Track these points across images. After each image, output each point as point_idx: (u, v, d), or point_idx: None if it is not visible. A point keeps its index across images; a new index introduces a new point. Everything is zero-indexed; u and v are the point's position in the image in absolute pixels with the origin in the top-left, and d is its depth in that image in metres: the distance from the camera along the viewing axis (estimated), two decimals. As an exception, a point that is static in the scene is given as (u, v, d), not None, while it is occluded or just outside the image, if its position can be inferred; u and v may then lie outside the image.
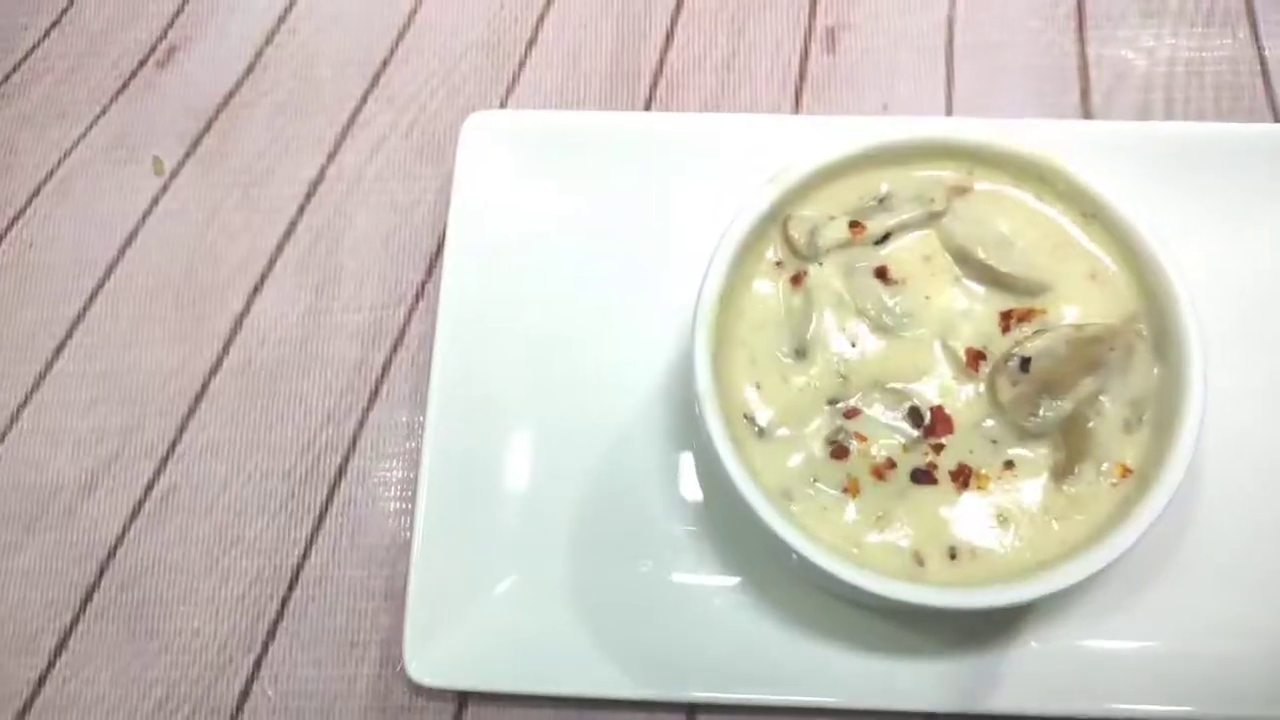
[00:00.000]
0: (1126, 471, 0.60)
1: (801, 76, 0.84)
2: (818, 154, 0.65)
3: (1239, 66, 0.83)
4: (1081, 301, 0.64)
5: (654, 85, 0.85)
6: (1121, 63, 0.84)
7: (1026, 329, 0.63)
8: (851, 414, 0.62)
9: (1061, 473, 0.61)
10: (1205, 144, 0.78)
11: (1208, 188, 0.77)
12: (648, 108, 0.84)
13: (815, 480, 0.61)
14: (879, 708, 0.67)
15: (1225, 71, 0.83)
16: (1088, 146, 0.77)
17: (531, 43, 0.91)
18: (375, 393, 0.78)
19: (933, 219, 0.65)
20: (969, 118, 0.80)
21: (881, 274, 0.65)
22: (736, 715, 0.69)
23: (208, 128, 0.87)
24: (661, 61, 0.86)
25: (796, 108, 0.83)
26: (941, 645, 0.68)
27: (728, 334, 0.64)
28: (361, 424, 0.77)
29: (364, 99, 0.87)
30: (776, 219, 0.65)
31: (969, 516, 0.60)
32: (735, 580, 0.70)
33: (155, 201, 0.85)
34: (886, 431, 0.62)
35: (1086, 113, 0.82)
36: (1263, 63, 0.84)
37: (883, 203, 0.66)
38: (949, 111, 0.82)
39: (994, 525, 0.60)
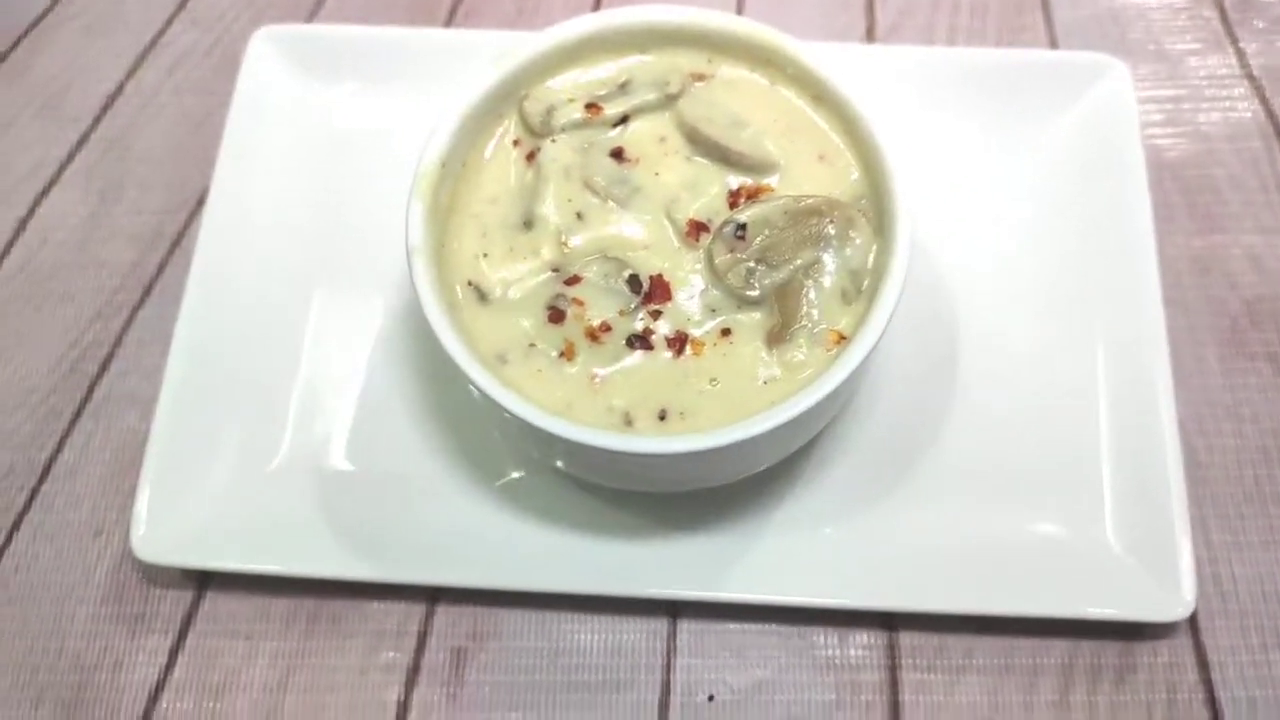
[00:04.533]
0: (841, 338, 0.60)
1: (596, 3, 0.86)
2: (551, 33, 0.66)
3: (1022, 6, 0.86)
4: (810, 181, 0.64)
5: (454, 10, 0.86)
6: (908, -3, 0.87)
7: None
8: (572, 281, 0.62)
9: (775, 339, 0.60)
10: (976, 70, 0.79)
11: (978, 113, 0.78)
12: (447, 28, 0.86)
13: (532, 345, 0.61)
14: (619, 594, 0.66)
15: (1009, 11, 0.86)
16: (871, 71, 0.80)
17: (339, -36, 0.92)
18: (148, 291, 0.78)
19: (669, 102, 0.66)
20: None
21: (616, 154, 0.66)
22: (479, 604, 0.68)
23: (15, 45, 0.88)
24: (466, -17, 0.88)
25: (591, 33, 0.85)
26: (690, 537, 0.67)
27: (461, 207, 0.65)
28: (130, 322, 0.77)
29: (170, 21, 0.89)
30: (512, 97, 0.66)
31: (682, 381, 0.60)
32: (482, 471, 0.69)
33: (-45, 113, 0.86)
34: (605, 297, 0.62)
35: (871, 43, 0.84)
36: (1044, -3, 0.86)
37: (623, 87, 0.67)
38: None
39: (706, 389, 0.60)
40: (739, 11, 0.84)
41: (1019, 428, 0.69)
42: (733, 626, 0.67)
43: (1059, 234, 0.75)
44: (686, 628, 0.67)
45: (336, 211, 0.77)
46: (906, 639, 0.67)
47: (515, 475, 0.69)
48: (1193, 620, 0.66)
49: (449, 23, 0.86)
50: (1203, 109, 0.83)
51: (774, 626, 0.67)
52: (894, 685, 0.66)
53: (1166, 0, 0.88)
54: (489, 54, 0.75)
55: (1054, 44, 0.84)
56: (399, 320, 0.74)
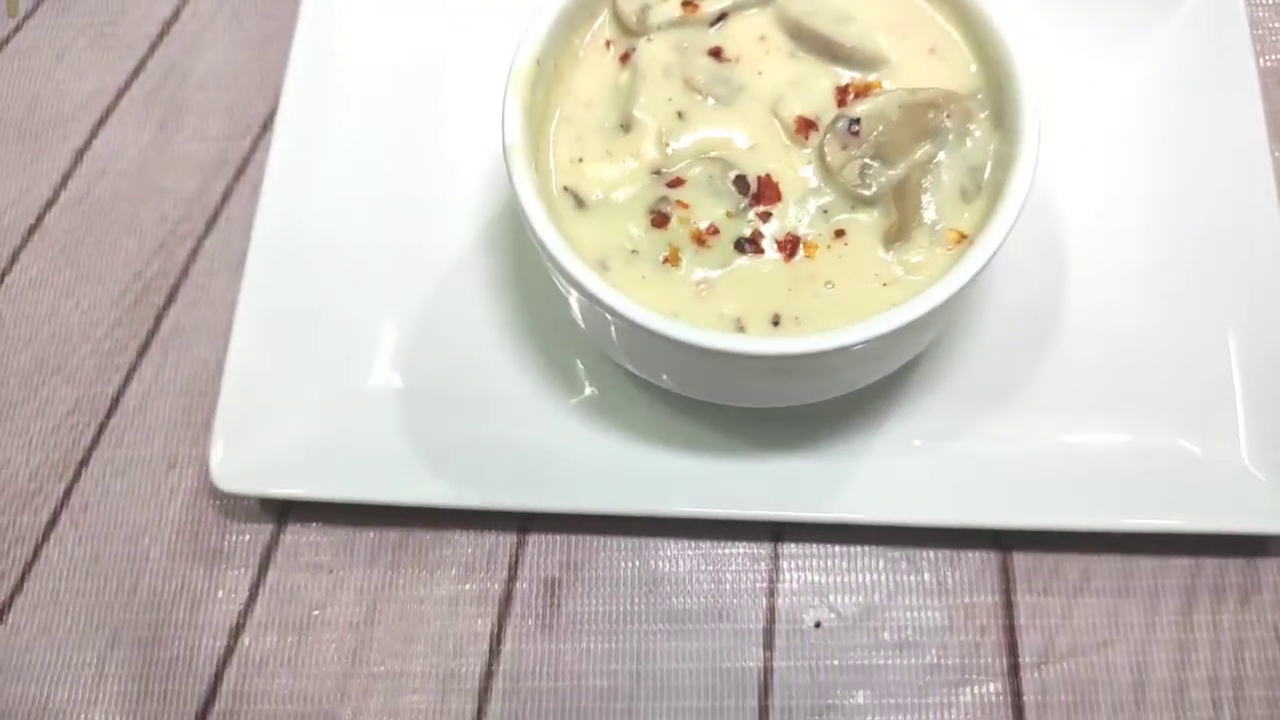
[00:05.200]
0: (961, 238, 0.57)
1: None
2: (646, -73, 0.63)
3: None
4: (921, 76, 0.61)
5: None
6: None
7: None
8: (675, 183, 0.59)
9: (893, 238, 0.57)
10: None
11: (1082, 16, 0.75)
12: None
13: (634, 251, 0.58)
14: (719, 516, 0.63)
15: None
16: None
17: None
18: (213, 220, 0.75)
19: (769, -1, 0.63)
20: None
21: (715, 54, 0.62)
22: (571, 532, 0.65)
23: (66, -29, 0.86)
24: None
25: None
26: (791, 456, 0.64)
27: (553, 111, 0.61)
28: (195, 251, 0.74)
29: (224, -56, 0.85)
30: (605, -4, 0.63)
31: (795, 285, 0.57)
32: (568, 393, 0.67)
33: (6, 40, 0.83)
34: (711, 199, 0.58)
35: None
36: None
37: (719, -15, 0.64)
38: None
39: (821, 292, 0.56)
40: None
41: (1133, 339, 0.66)
42: (837, 549, 0.64)
43: (1166, 143, 0.71)
44: (789, 551, 0.65)
45: (411, 128, 0.73)
46: (1020, 560, 0.64)
47: (597, 394, 0.66)
48: (1321, 537, 0.63)
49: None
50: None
51: (880, 549, 0.64)
52: (1008, 608, 0.63)
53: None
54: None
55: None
56: (476, 237, 0.71)
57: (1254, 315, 0.65)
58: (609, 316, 0.55)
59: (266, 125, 0.77)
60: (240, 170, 0.76)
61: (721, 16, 0.63)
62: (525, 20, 0.60)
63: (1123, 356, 0.65)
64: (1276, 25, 0.80)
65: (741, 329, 0.56)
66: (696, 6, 0.63)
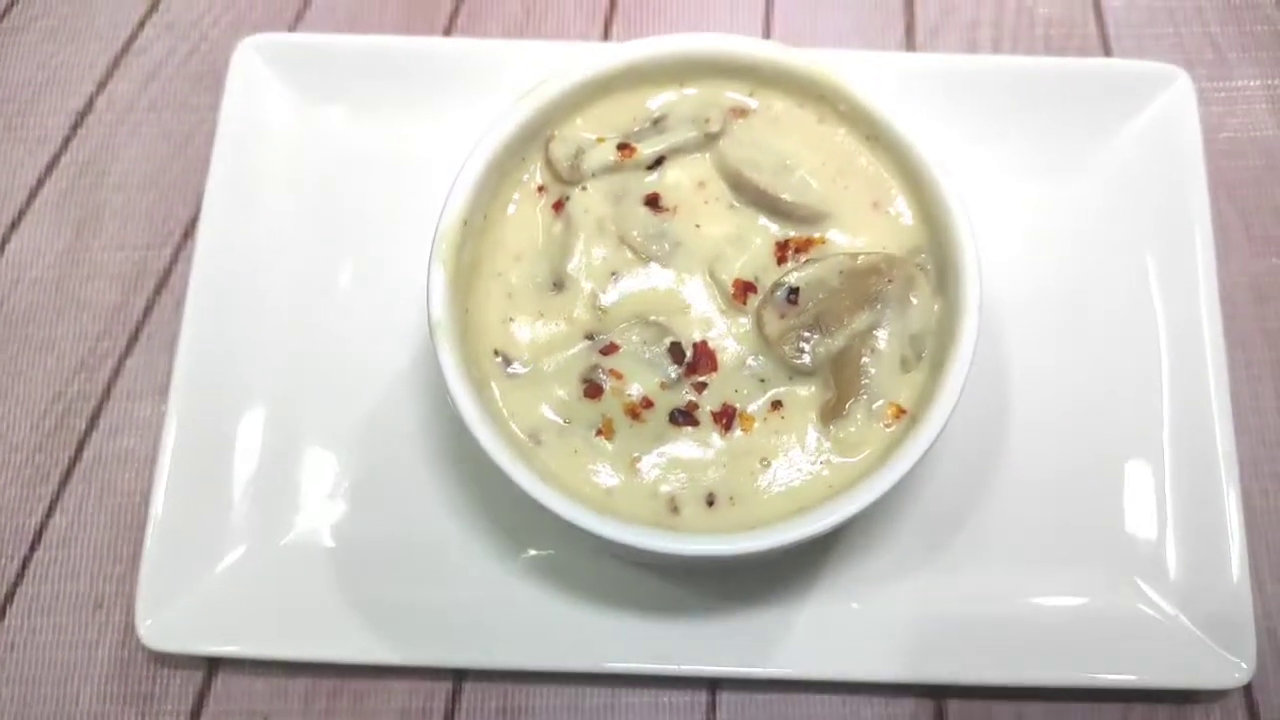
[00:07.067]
0: (900, 412, 0.56)
1: (612, 6, 0.79)
2: (580, 67, 0.59)
3: (1072, 3, 0.79)
4: (863, 231, 0.59)
5: (455, 13, 0.79)
6: (949, -3, 0.80)
7: (803, 260, 0.59)
8: (609, 350, 0.57)
9: (831, 414, 0.56)
10: (1032, 78, 0.74)
11: (1034, 124, 0.73)
12: (447, 35, 0.79)
13: (568, 421, 0.56)
14: (656, 673, 0.62)
15: (1057, 8, 0.79)
16: (910, 80, 0.73)
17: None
18: (134, 338, 0.72)
19: (709, 141, 0.60)
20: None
21: (652, 202, 0.60)
22: (508, 681, 0.64)
23: (-30, 53, 0.80)
24: (465, -13, 0.80)
25: (606, 38, 0.78)
26: (728, 608, 0.63)
27: (485, 265, 0.59)
28: (117, 372, 0.71)
29: (141, 24, 0.80)
30: (537, 139, 0.60)
31: (731, 461, 0.55)
32: (505, 545, 0.65)
33: (-94, 134, 0.78)
34: (645, 369, 0.57)
35: (911, 49, 0.78)
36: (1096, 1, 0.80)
37: (657, 124, 0.61)
38: (767, 45, 0.77)
39: (757, 470, 0.55)
40: (766, 29, 0.77)
41: (1069, 486, 0.66)
42: (775, 698, 0.64)
43: (1112, 263, 0.70)
44: (727, 700, 0.64)
45: (341, 246, 0.70)
46: (954, 706, 0.64)
47: (537, 552, 0.64)
48: (1248, 680, 0.64)
49: (450, 27, 0.78)
50: (1261, 120, 0.78)
51: (817, 696, 0.64)
52: (943, 754, 0.64)
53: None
54: (501, 67, 0.69)
55: (1106, 44, 0.78)
56: (412, 365, 0.68)
57: (1193, 470, 0.64)
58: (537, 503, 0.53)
59: (188, 233, 0.74)
60: (162, 283, 0.73)
61: (659, 161, 0.60)
62: (455, 169, 0.57)
63: (1055, 513, 0.65)
64: (1218, 132, 0.78)
65: (675, 509, 0.55)
66: (633, 150, 0.60)
